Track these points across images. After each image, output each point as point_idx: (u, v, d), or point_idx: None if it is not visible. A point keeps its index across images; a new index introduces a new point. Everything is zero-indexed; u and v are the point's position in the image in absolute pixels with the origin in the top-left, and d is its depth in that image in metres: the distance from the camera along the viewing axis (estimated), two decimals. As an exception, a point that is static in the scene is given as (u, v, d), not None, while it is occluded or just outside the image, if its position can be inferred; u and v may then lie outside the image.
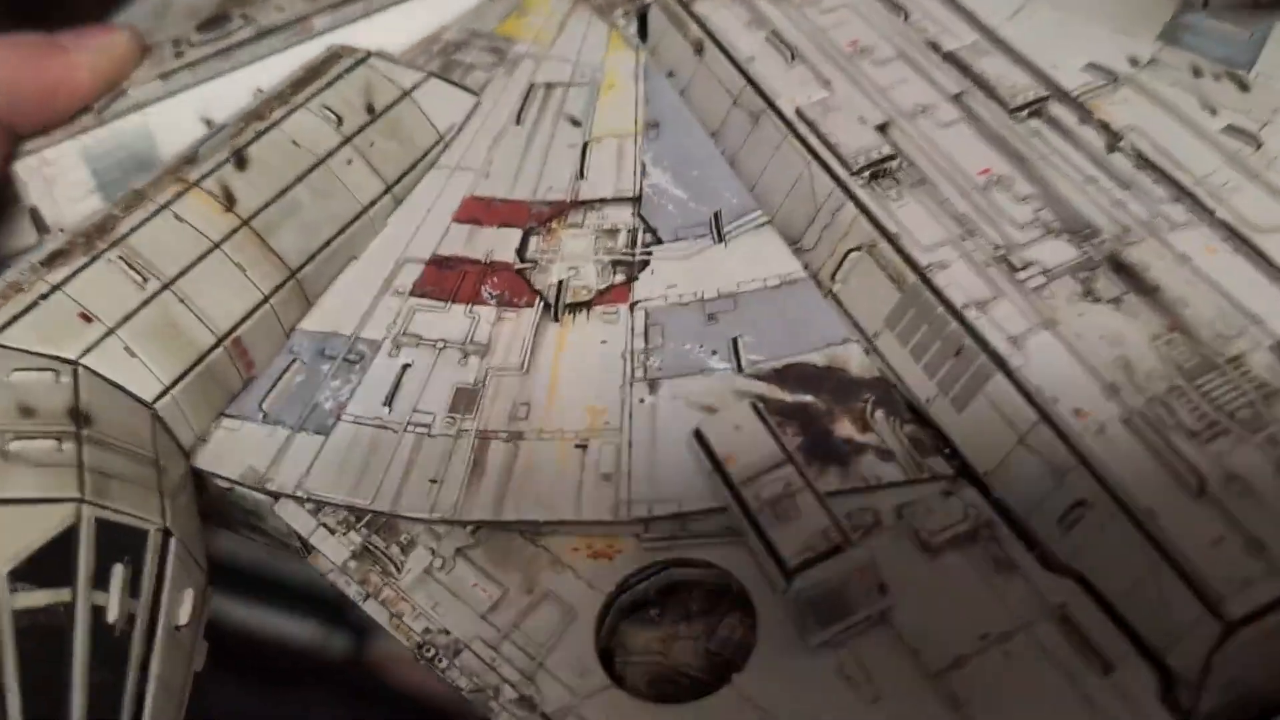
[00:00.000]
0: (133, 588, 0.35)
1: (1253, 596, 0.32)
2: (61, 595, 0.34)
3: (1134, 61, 0.47)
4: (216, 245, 0.44)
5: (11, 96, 0.51)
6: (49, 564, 0.34)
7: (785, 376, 0.41)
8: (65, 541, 0.35)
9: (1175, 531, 0.33)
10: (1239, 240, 0.40)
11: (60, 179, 0.51)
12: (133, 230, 0.43)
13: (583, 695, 0.35)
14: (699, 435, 0.39)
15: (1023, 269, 0.40)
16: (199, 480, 0.43)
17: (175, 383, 0.42)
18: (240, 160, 0.46)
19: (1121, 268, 0.39)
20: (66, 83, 0.52)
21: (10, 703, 0.32)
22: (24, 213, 0.52)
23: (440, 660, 0.37)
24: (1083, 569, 0.35)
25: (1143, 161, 0.43)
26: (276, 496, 0.42)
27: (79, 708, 0.32)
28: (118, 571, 0.35)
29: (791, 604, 0.34)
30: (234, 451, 0.43)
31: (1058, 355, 0.37)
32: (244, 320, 0.44)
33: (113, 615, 0.35)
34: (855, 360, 0.41)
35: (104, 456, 0.38)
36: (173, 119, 0.53)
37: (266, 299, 0.45)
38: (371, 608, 0.40)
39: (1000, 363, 0.38)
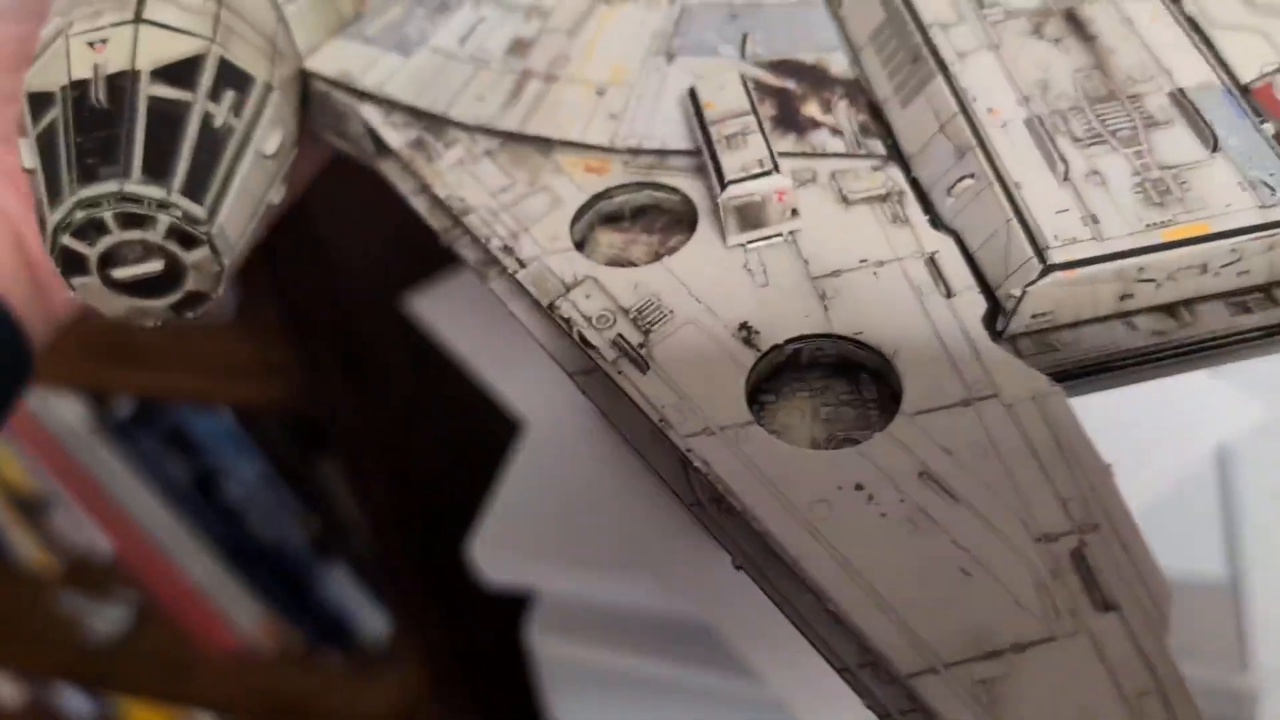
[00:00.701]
0: (236, 110, 0.47)
1: (1073, 251, 0.39)
2: (185, 95, 0.45)
3: None
4: (353, -106, 0.54)
5: None
6: (179, 73, 0.46)
7: (777, 67, 0.50)
8: (194, 62, 0.46)
9: (1032, 200, 0.41)
10: (1192, 27, 0.46)
11: None
12: None
13: (550, 251, 0.45)
14: (692, 90, 0.48)
15: (989, 7, 0.47)
16: (305, 84, 0.54)
17: (301, -6, 0.53)
18: None
19: (1072, 18, 0.46)
20: None
21: (135, 153, 0.43)
22: None
23: (461, 240, 0.48)
24: (959, 230, 0.43)
25: None
26: (361, 97, 0.52)
27: (182, 170, 0.44)
28: (228, 94, 0.47)
29: (721, 209, 0.43)
30: (335, 60, 0.54)
31: (991, 69, 0.45)
32: (363, -41, 0.55)
33: (218, 121, 0.46)
34: (838, 64, 0.49)
35: (235, 22, 0.49)
36: None
37: (384, -52, 0.55)
38: (418, 201, 0.51)
39: (943, 68, 0.45)
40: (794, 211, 0.44)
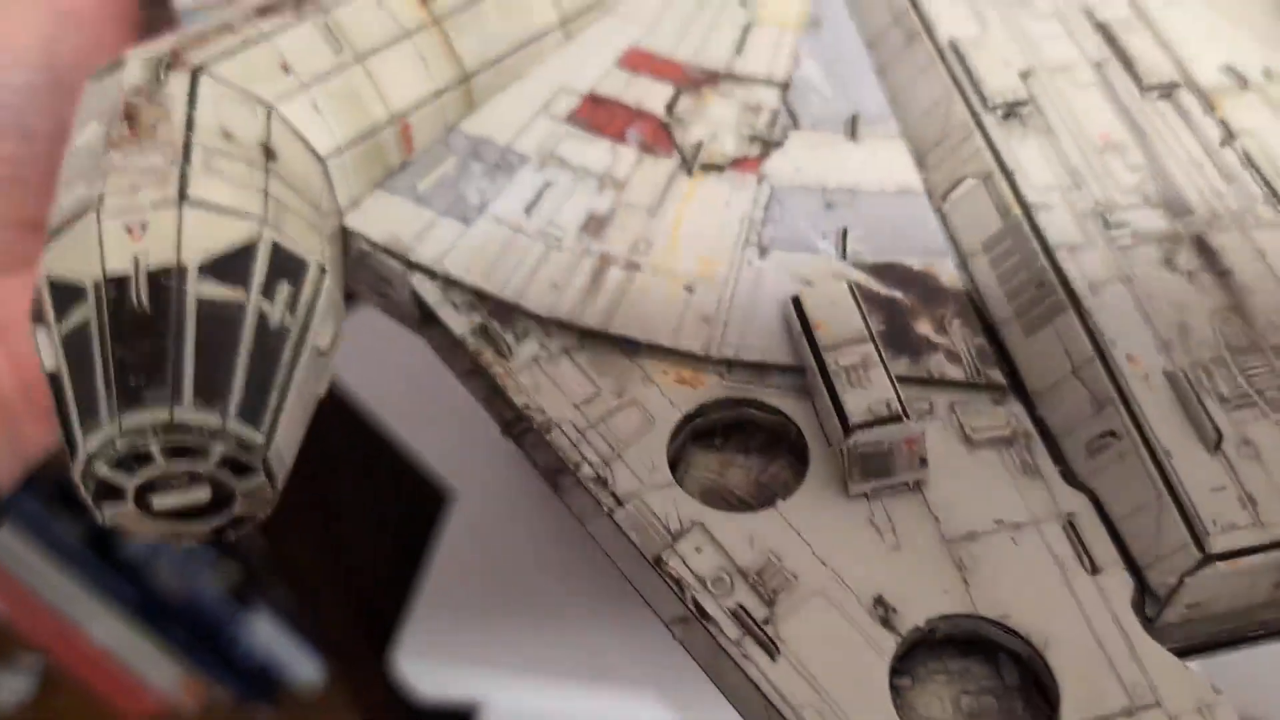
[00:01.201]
0: (291, 305, 0.41)
1: (1233, 539, 0.37)
2: (237, 294, 0.40)
3: (1267, 73, 0.50)
4: (408, 34, 0.49)
5: None
6: (231, 267, 0.40)
7: (882, 271, 0.46)
8: (246, 252, 0.41)
9: (1185, 472, 0.38)
10: None
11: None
12: (339, 4, 0.48)
13: (649, 486, 0.41)
14: (796, 301, 0.44)
15: (1117, 228, 0.44)
16: (344, 240, 0.49)
17: (348, 146, 0.48)
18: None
19: (1204, 248, 0.44)
20: None
21: (185, 372, 0.38)
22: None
23: (528, 436, 0.43)
24: (1096, 489, 0.40)
25: (1248, 162, 0.46)
26: (415, 268, 0.47)
27: (238, 390, 0.38)
28: (282, 287, 0.41)
29: (844, 455, 0.40)
30: (382, 220, 0.48)
31: (1127, 307, 0.42)
32: (416, 107, 0.49)
33: (274, 322, 0.40)
34: (947, 273, 0.46)
35: (283, 190, 0.44)
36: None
37: (439, 93, 0.50)
38: (472, 384, 0.46)
39: (1075, 302, 0.42)
40: (922, 460, 0.40)
